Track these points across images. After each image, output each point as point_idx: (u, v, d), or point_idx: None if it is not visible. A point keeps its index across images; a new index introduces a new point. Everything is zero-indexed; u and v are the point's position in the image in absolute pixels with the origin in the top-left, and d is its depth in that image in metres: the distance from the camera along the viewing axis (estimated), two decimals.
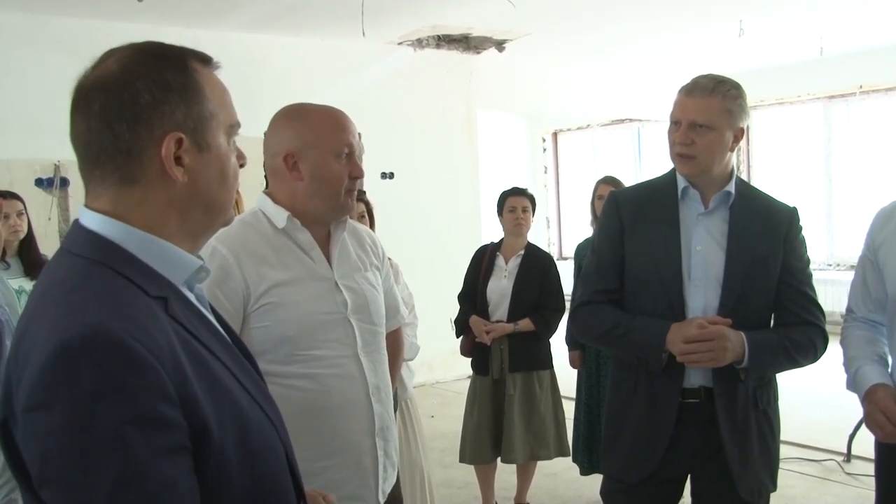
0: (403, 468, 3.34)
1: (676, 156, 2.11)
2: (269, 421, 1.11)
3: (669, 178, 2.20)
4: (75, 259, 1.02)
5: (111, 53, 1.05)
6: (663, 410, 2.11)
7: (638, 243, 2.16)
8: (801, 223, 2.20)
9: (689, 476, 2.23)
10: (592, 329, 2.26)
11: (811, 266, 2.23)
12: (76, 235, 1.05)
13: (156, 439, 0.90)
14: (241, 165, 1.16)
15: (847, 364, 2.17)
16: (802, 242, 2.20)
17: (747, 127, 2.16)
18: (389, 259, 3.49)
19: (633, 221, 2.18)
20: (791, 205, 2.23)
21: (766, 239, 2.12)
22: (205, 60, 1.10)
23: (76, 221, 1.07)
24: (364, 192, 3.52)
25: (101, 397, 0.88)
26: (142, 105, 1.02)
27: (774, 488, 2.22)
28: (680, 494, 2.29)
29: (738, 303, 2.07)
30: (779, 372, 2.19)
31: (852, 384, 2.14)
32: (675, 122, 2.11)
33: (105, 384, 0.88)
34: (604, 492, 2.34)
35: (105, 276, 0.99)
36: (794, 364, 2.14)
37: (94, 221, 1.04)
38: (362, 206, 3.42)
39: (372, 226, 3.47)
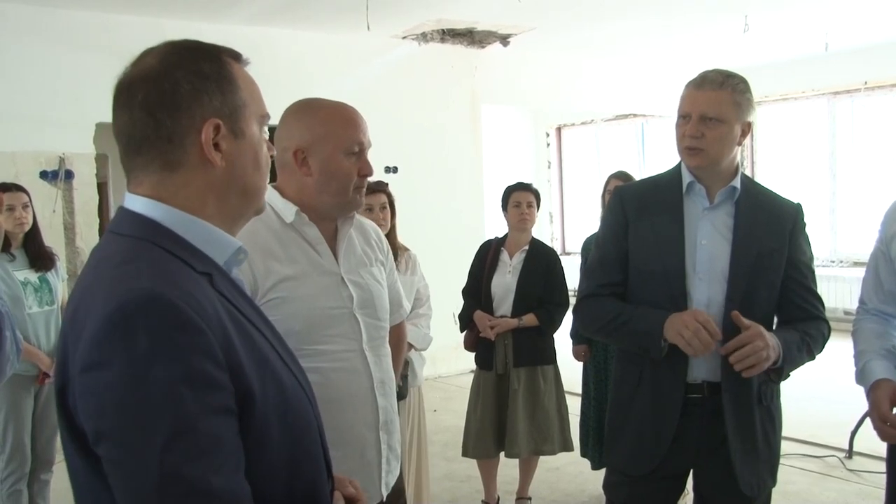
0: (412, 452, 3.42)
1: (686, 149, 2.11)
2: (305, 395, 1.17)
3: (675, 173, 2.21)
4: (123, 238, 1.08)
5: (149, 52, 1.12)
6: (668, 404, 2.11)
7: (642, 237, 2.16)
8: (806, 219, 2.21)
9: (691, 470, 2.24)
10: (594, 321, 2.27)
11: (818, 263, 2.24)
12: (122, 218, 1.11)
13: (205, 397, 0.96)
14: (271, 156, 1.23)
15: (857, 357, 2.17)
16: (807, 238, 2.21)
17: (753, 122, 2.15)
18: (408, 250, 3.54)
19: (638, 216, 2.18)
20: (795, 201, 2.23)
21: (772, 234, 2.13)
22: (235, 56, 1.17)
23: (121, 207, 1.13)
24: (386, 184, 3.53)
25: (155, 356, 0.93)
26: (182, 94, 1.08)
27: (774, 483, 2.23)
28: (682, 488, 2.30)
29: (744, 297, 2.07)
30: (799, 366, 2.17)
31: (860, 378, 2.14)
32: (684, 116, 2.11)
33: (159, 344, 0.94)
34: (607, 484, 2.35)
35: (153, 251, 1.05)
36: (810, 358, 2.15)
37: (138, 204, 1.10)
38: (384, 198, 3.44)
39: (393, 217, 3.49)
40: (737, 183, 2.14)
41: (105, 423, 0.94)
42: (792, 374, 2.13)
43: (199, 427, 0.94)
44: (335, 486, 1.27)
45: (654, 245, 2.14)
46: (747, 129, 2.11)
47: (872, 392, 2.04)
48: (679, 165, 2.20)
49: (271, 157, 1.22)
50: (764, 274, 2.11)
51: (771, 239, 2.12)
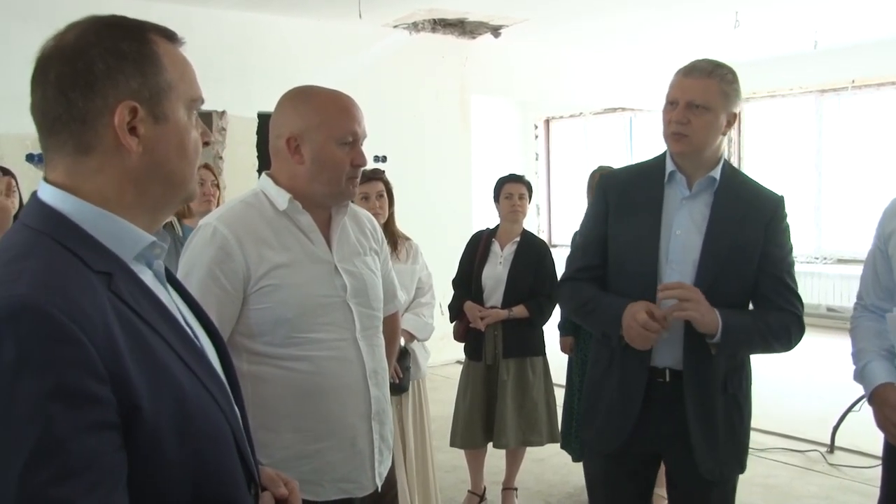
0: (414, 444, 3.42)
1: (671, 134, 2.13)
2: (214, 403, 1.09)
3: (659, 161, 2.24)
4: (25, 230, 1.02)
5: (72, 27, 1.06)
6: (633, 386, 2.17)
7: (621, 225, 2.21)
8: (787, 212, 2.21)
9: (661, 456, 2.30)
10: (569, 303, 2.38)
11: (797, 258, 2.25)
12: (31, 208, 1.06)
13: (78, 413, 0.89)
14: (206, 143, 1.16)
15: (856, 356, 2.19)
16: (786, 231, 2.20)
17: (739, 113, 2.18)
18: (409, 240, 3.52)
19: (619, 204, 2.23)
20: (779, 193, 2.24)
21: (748, 225, 2.14)
22: (168, 36, 1.10)
23: (34, 193, 1.07)
24: (383, 172, 3.49)
25: (22, 369, 0.87)
26: (95, 73, 1.02)
27: (742, 470, 2.26)
28: (654, 474, 2.36)
29: (713, 285, 2.09)
30: (751, 353, 2.22)
31: (859, 377, 2.16)
32: (672, 103, 2.13)
33: (28, 355, 0.87)
34: (584, 463, 2.46)
35: (49, 248, 0.99)
36: (767, 347, 2.16)
37: (48, 194, 1.05)
38: (381, 186, 3.40)
39: (391, 205, 3.46)
40: (716, 173, 2.16)
41: None
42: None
43: (68, 445, 0.87)
44: (266, 486, 1.22)
45: (630, 234, 2.18)
46: (733, 119, 2.14)
47: (879, 396, 2.06)
48: (664, 154, 2.23)
49: (205, 143, 1.15)
50: (735, 265, 2.12)
51: (746, 231, 2.13)
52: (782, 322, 2.15)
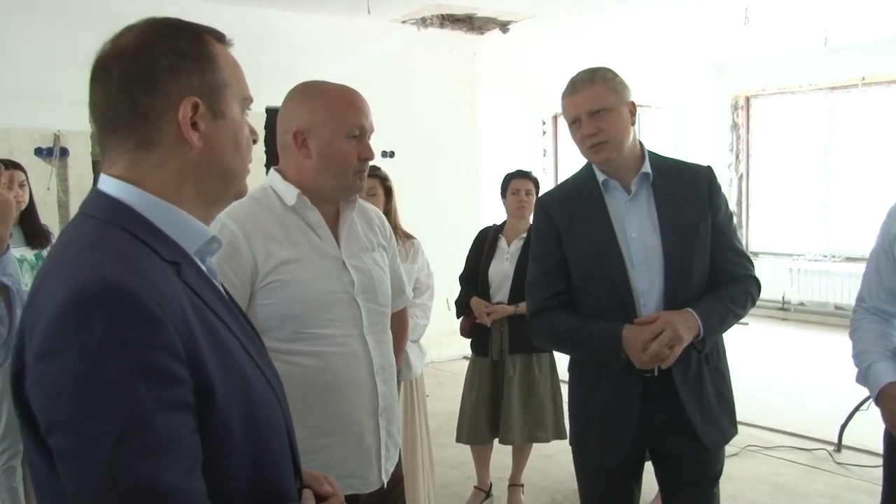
0: (406, 447, 3.39)
1: (589, 149, 2.17)
2: (273, 393, 1.13)
3: (587, 173, 2.27)
4: (92, 220, 1.05)
5: (129, 28, 1.09)
6: (627, 393, 2.18)
7: (577, 241, 2.22)
8: (718, 179, 2.26)
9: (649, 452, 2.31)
10: (549, 338, 2.34)
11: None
12: (94, 199, 1.08)
13: (161, 392, 0.92)
14: (254, 141, 1.19)
15: (858, 357, 2.17)
16: (722, 197, 2.27)
17: (633, 100, 2.20)
18: (412, 238, 3.51)
19: (567, 221, 2.24)
20: (705, 164, 2.30)
21: (692, 206, 2.18)
22: (219, 37, 1.14)
23: (94, 187, 1.10)
24: (380, 168, 3.48)
25: (109, 347, 0.90)
26: (159, 71, 1.05)
27: (735, 431, 2.31)
28: (640, 475, 2.36)
29: (681, 276, 2.14)
30: (729, 328, 2.24)
31: (863, 378, 2.14)
32: (574, 122, 2.18)
33: (114, 335, 0.90)
34: (578, 476, 2.43)
35: (120, 236, 1.02)
36: (738, 317, 2.22)
37: (110, 186, 1.07)
38: (375, 182, 3.40)
39: (388, 201, 3.45)
40: (647, 168, 2.20)
41: (56, 415, 0.91)
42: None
43: (152, 423, 0.91)
44: (308, 484, 1.24)
45: (590, 247, 2.19)
46: (633, 108, 2.19)
47: (886, 396, 2.05)
48: (588, 166, 2.26)
49: (254, 140, 1.19)
50: (694, 248, 2.17)
51: (692, 212, 2.18)
52: (743, 289, 2.22)
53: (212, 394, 0.99)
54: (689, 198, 2.19)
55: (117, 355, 0.90)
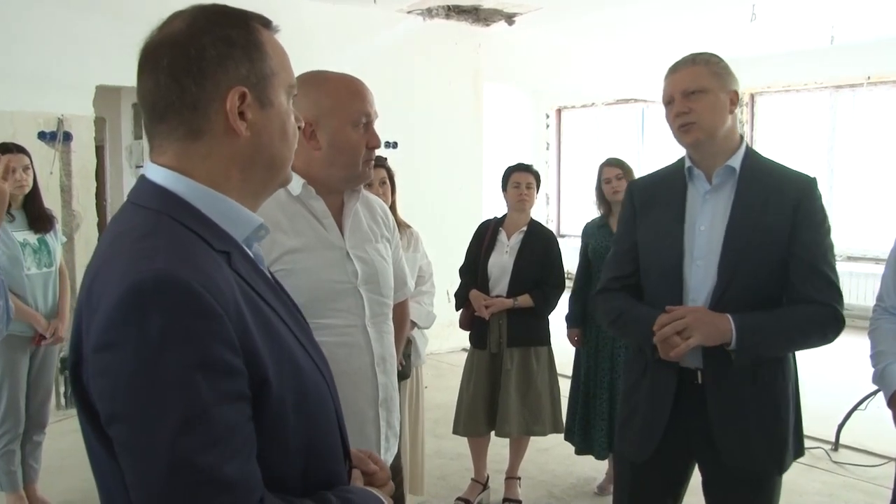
0: (409, 432, 3.45)
1: (678, 129, 2.11)
2: (323, 380, 1.14)
3: (679, 163, 2.23)
4: (143, 210, 1.05)
5: (177, 15, 1.09)
6: (662, 391, 2.15)
7: (647, 229, 2.21)
8: (819, 193, 2.10)
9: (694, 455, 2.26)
10: (605, 318, 2.35)
11: (830, 240, 2.12)
12: (142, 189, 1.08)
13: (220, 384, 0.93)
14: (299, 128, 1.19)
15: (875, 357, 2.16)
16: (818, 213, 2.08)
17: (739, 91, 2.15)
18: (410, 228, 3.52)
19: (645, 208, 2.23)
20: (810, 175, 2.12)
21: (773, 211, 2.05)
22: (265, 23, 1.14)
23: (142, 176, 1.10)
24: (385, 159, 3.49)
25: (168, 340, 0.91)
26: (208, 60, 1.05)
27: (781, 470, 2.15)
28: (685, 478, 2.30)
29: (734, 277, 2.04)
30: (780, 353, 2.11)
31: (879, 379, 2.13)
32: (669, 102, 2.13)
33: (173, 328, 0.91)
34: (615, 471, 2.42)
35: (173, 227, 1.02)
36: (794, 345, 2.09)
37: (159, 175, 1.07)
38: (383, 172, 3.41)
39: (393, 192, 3.47)
40: (735, 162, 2.11)
41: (117, 406, 0.92)
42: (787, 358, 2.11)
43: (212, 415, 0.92)
44: (355, 464, 1.26)
45: (654, 237, 2.18)
46: (735, 97, 2.11)
47: None
48: (683, 157, 2.20)
49: (299, 128, 1.18)
50: (760, 254, 2.04)
51: (770, 215, 2.05)
52: (811, 316, 2.04)
53: (266, 385, 0.99)
54: (774, 202, 2.05)
55: (176, 348, 0.91)
